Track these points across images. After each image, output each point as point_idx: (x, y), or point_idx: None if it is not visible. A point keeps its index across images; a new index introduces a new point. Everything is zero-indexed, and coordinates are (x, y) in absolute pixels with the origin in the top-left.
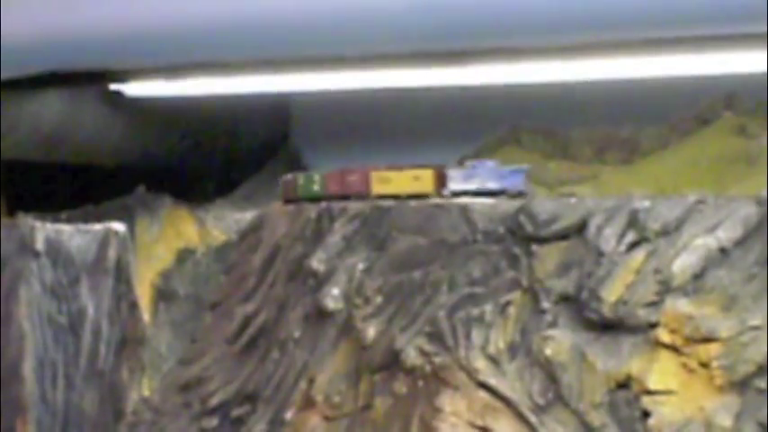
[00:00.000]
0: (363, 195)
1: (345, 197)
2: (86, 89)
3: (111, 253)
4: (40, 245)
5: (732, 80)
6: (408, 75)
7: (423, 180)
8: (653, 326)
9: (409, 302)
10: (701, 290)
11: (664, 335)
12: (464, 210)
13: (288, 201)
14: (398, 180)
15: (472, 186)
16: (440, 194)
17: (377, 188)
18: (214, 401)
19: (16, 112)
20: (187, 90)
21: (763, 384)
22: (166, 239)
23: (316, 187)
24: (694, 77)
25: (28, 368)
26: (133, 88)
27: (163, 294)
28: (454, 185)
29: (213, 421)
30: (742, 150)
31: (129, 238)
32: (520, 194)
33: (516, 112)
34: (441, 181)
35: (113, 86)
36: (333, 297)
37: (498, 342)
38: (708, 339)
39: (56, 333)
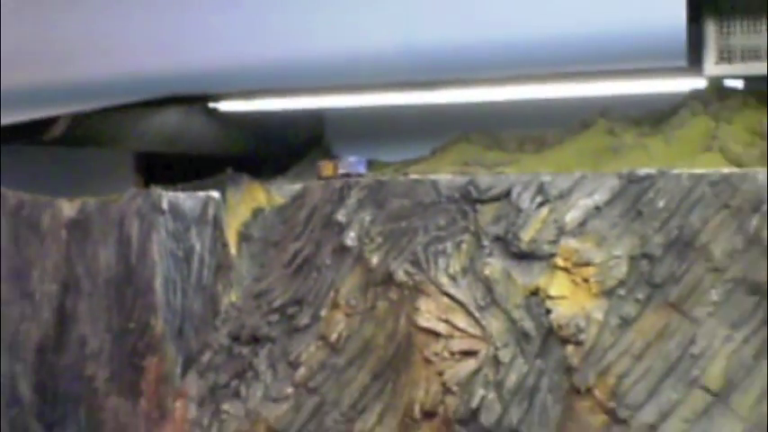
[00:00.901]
0: (319, 177)
1: (319, 179)
2: (193, 106)
3: (211, 211)
4: (164, 205)
5: (605, 99)
6: (400, 96)
7: (331, 168)
8: (553, 255)
9: (399, 242)
10: (583, 233)
11: (560, 261)
12: (434, 183)
13: (320, 178)
14: (327, 168)
15: (344, 171)
16: (336, 176)
17: (323, 173)
18: (276, 304)
19: (148, 122)
20: (259, 107)
21: (622, 292)
22: (245, 202)
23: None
24: (581, 98)
25: (158, 284)
26: (224, 106)
27: (244, 237)
28: (340, 171)
29: (275, 317)
30: (610, 145)
31: (222, 202)
32: (360, 175)
33: (468, 121)
34: (336, 168)
35: (211, 105)
36: (350, 238)
37: (455, 266)
38: (587, 264)
39: (175, 262)
